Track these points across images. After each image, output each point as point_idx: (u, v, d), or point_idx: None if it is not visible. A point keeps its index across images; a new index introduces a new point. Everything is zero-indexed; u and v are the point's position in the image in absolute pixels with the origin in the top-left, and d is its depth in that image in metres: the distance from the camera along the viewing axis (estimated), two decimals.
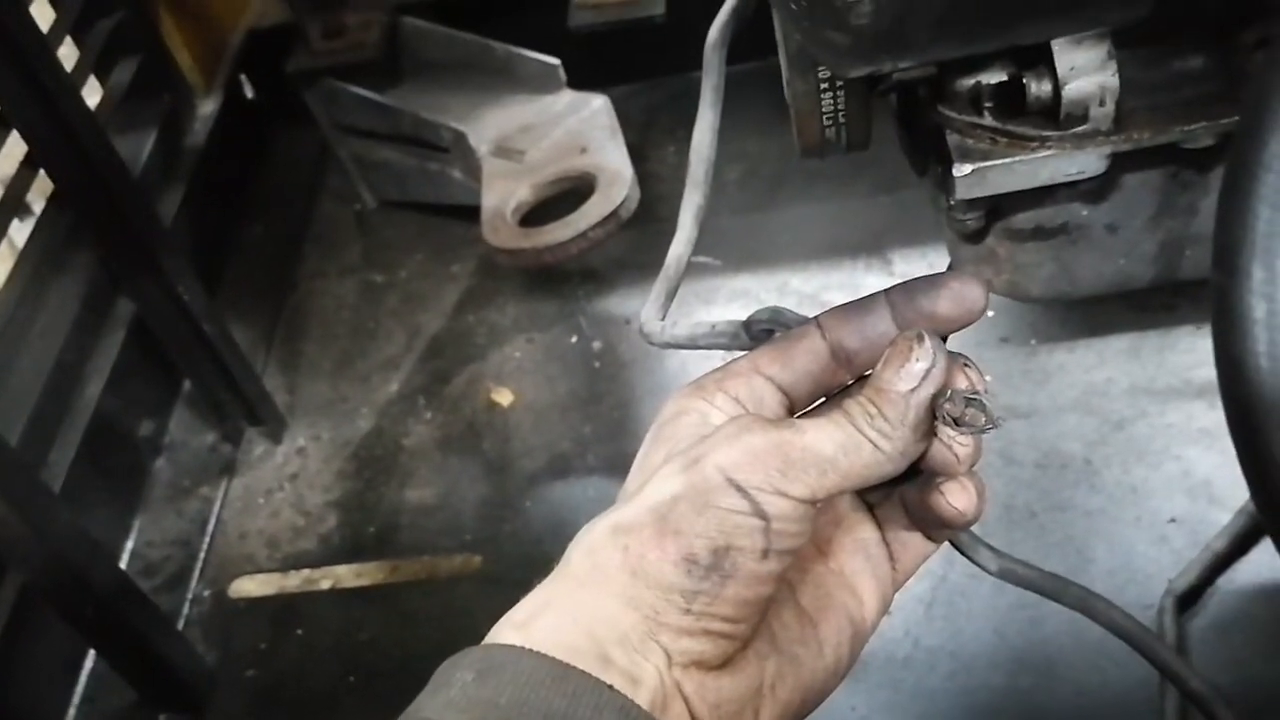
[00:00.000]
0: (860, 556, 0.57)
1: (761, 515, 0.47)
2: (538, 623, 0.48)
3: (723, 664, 0.49)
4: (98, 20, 1.74)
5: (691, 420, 0.54)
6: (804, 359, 0.55)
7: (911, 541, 0.58)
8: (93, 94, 1.68)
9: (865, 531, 0.57)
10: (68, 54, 1.61)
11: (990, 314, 1.65)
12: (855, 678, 1.33)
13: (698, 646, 0.48)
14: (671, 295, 0.76)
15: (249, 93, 2.15)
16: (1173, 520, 1.36)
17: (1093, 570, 1.33)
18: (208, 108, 1.99)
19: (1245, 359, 0.32)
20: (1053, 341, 1.59)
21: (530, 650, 0.46)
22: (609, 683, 0.46)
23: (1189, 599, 1.27)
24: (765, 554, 0.47)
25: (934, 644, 1.32)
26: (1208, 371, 1.62)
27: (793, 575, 0.54)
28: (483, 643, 0.48)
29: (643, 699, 0.46)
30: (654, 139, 2.04)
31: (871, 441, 0.49)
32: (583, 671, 0.46)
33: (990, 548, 0.69)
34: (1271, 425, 0.32)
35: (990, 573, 0.68)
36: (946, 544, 0.65)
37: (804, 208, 1.89)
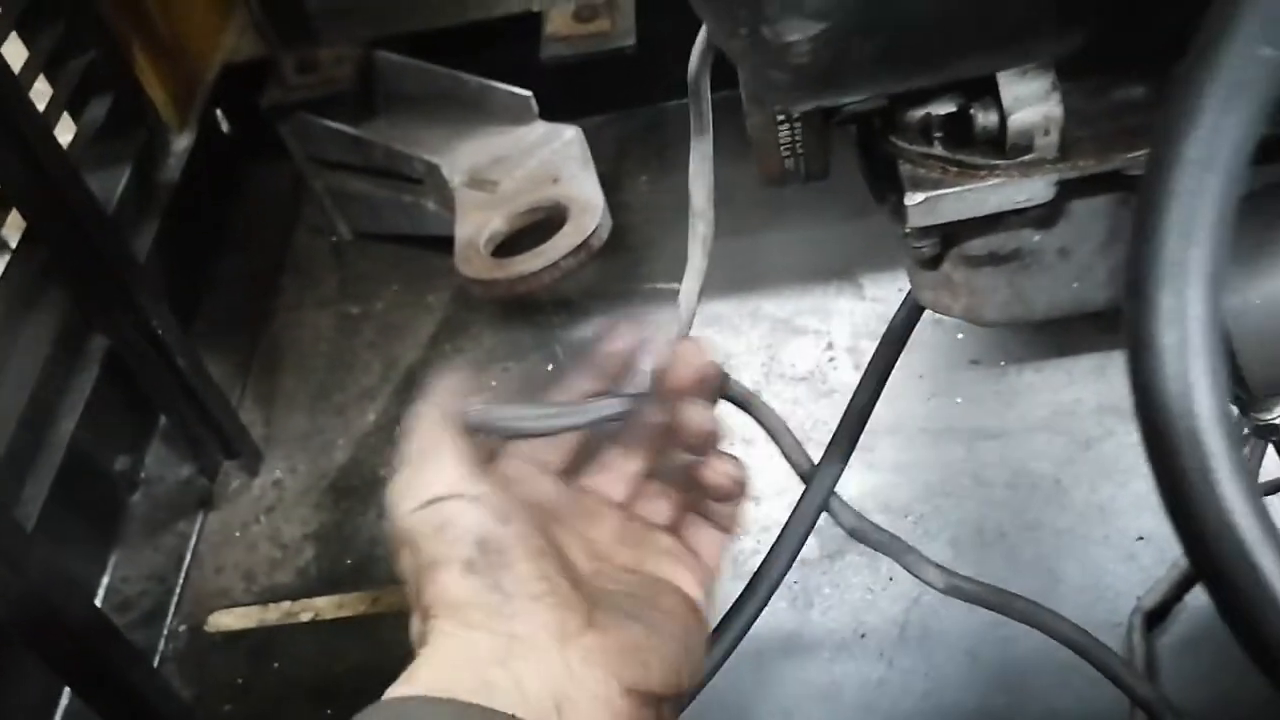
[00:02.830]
0: (666, 558, 0.64)
1: (470, 498, 0.52)
2: (419, 675, 0.51)
3: (588, 624, 0.52)
4: (71, 58, 1.75)
5: None
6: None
7: (706, 538, 0.67)
8: (66, 131, 1.69)
9: (662, 540, 0.65)
10: (41, 92, 1.62)
11: (960, 336, 1.69)
12: (830, 700, 1.34)
13: (544, 617, 0.51)
14: (688, 329, 0.79)
15: (224, 127, 2.16)
16: (1141, 538, 1.37)
17: (1063, 589, 1.35)
18: (182, 143, 2.00)
19: (1157, 385, 0.33)
20: (1021, 362, 1.61)
21: (433, 698, 0.49)
22: (496, 707, 0.48)
23: (1158, 616, 1.28)
24: (505, 519, 0.52)
25: (907, 665, 1.33)
26: None
27: (612, 584, 0.60)
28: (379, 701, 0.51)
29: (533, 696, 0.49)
30: (626, 169, 2.06)
31: None
32: (478, 706, 0.48)
33: (938, 566, 0.71)
34: (1184, 448, 0.33)
35: (938, 590, 0.70)
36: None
37: (776, 234, 1.91)
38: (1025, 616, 0.68)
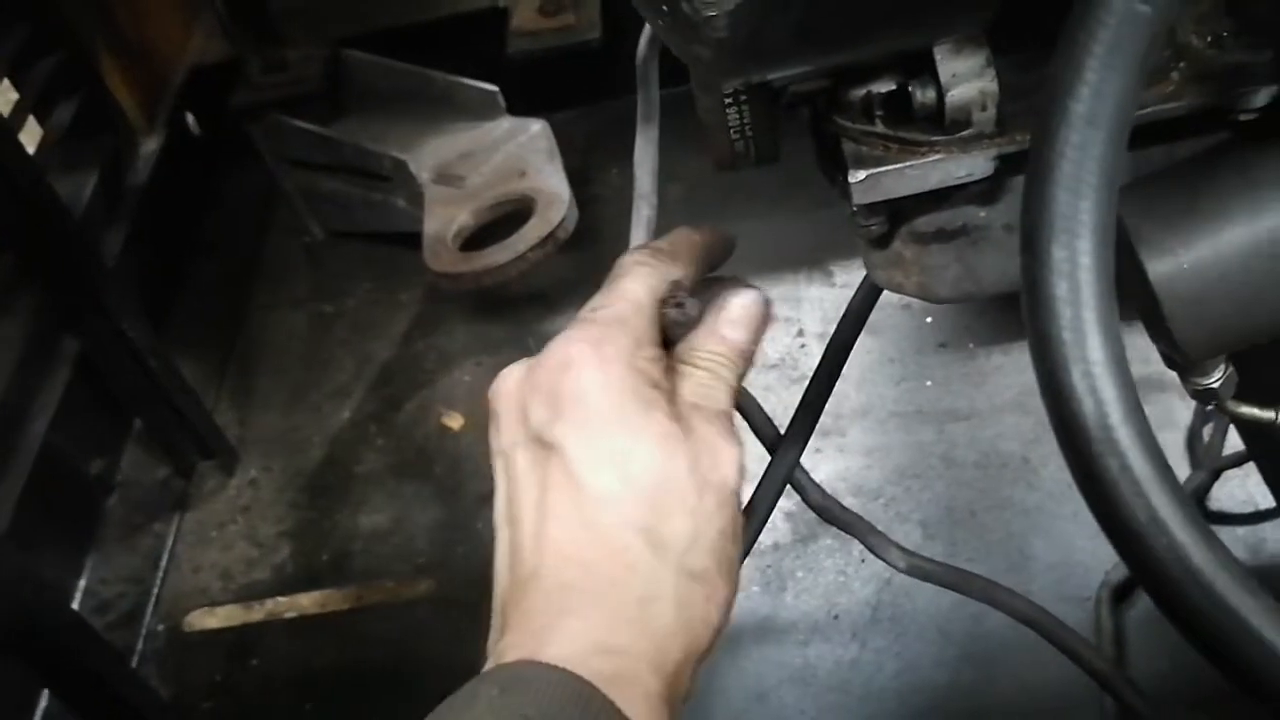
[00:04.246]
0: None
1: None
2: (610, 636, 0.48)
3: None
4: (36, 62, 1.75)
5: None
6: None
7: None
8: (32, 135, 1.69)
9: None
10: (6, 96, 1.62)
11: (928, 320, 1.70)
12: (804, 681, 1.35)
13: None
14: None
15: (195, 130, 2.16)
16: None
17: (1032, 566, 1.36)
18: (150, 146, 2.00)
19: (1051, 334, 0.34)
20: (989, 344, 1.62)
21: (553, 667, 0.46)
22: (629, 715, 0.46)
23: (1125, 589, 1.30)
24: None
25: (880, 645, 1.34)
26: (1139, 367, 1.67)
27: None
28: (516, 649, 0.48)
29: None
30: (597, 162, 2.07)
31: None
32: (604, 696, 0.45)
33: (899, 547, 0.72)
34: (1077, 393, 0.34)
35: (899, 570, 0.72)
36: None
37: (745, 224, 1.91)
38: (984, 595, 0.69)
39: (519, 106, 1.88)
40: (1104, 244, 0.34)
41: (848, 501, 1.51)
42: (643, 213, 0.83)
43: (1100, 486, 0.35)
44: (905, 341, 1.66)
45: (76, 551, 1.64)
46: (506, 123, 1.83)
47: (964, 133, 0.66)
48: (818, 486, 0.89)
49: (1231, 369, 0.65)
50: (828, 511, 0.89)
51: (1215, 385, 0.65)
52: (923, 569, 0.68)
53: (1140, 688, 0.83)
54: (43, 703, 1.46)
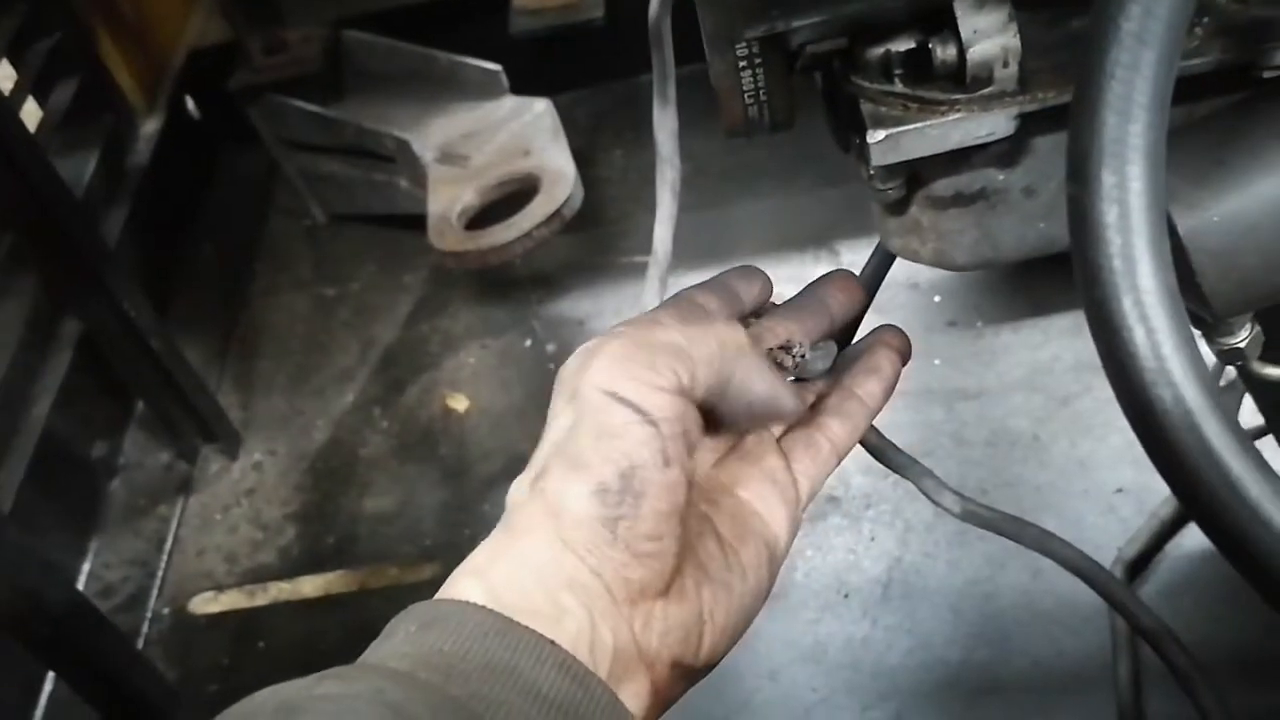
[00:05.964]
0: (768, 484, 0.59)
1: (650, 421, 0.48)
2: (495, 571, 0.48)
3: (665, 591, 0.50)
4: (35, 41, 1.73)
5: None
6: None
7: (812, 468, 0.62)
8: (31, 116, 1.67)
9: (772, 461, 0.60)
10: (5, 75, 1.60)
11: (936, 299, 1.69)
12: (815, 659, 1.34)
13: (635, 574, 0.48)
14: (664, 279, 0.77)
15: (195, 112, 2.15)
16: (1120, 490, 1.38)
17: None
18: (150, 127, 1.98)
19: (1100, 262, 0.33)
20: (998, 323, 1.61)
21: (474, 605, 0.47)
22: (551, 638, 0.46)
23: (1138, 565, 1.29)
24: (666, 461, 0.49)
25: (891, 623, 1.33)
26: None
27: (708, 508, 0.56)
28: (435, 597, 0.49)
29: (582, 649, 0.47)
30: (601, 143, 2.06)
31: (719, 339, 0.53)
32: (524, 626, 0.46)
33: (955, 492, 0.72)
34: (1127, 322, 0.33)
35: (955, 515, 0.72)
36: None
37: (751, 204, 1.91)
38: (1037, 544, 0.70)
39: (521, 88, 1.86)
40: (1155, 168, 0.33)
41: (857, 480, 1.51)
42: (667, 175, 0.82)
43: (1152, 419, 0.34)
44: (913, 320, 1.64)
45: (80, 535, 1.63)
46: (510, 102, 1.82)
47: (985, 90, 0.65)
48: (873, 428, 0.87)
49: (1258, 329, 0.64)
50: (882, 453, 0.88)
51: (1241, 345, 0.64)
52: (979, 515, 0.68)
53: (1189, 649, 0.83)
54: (48, 686, 1.45)
